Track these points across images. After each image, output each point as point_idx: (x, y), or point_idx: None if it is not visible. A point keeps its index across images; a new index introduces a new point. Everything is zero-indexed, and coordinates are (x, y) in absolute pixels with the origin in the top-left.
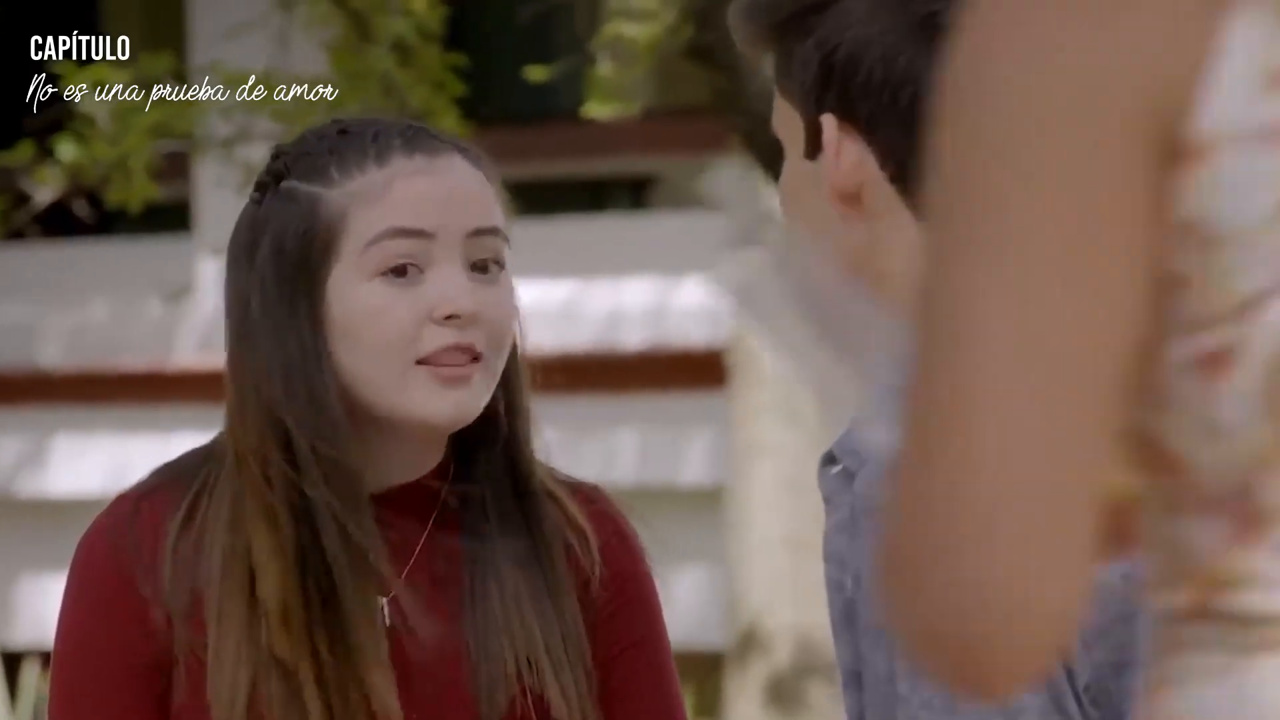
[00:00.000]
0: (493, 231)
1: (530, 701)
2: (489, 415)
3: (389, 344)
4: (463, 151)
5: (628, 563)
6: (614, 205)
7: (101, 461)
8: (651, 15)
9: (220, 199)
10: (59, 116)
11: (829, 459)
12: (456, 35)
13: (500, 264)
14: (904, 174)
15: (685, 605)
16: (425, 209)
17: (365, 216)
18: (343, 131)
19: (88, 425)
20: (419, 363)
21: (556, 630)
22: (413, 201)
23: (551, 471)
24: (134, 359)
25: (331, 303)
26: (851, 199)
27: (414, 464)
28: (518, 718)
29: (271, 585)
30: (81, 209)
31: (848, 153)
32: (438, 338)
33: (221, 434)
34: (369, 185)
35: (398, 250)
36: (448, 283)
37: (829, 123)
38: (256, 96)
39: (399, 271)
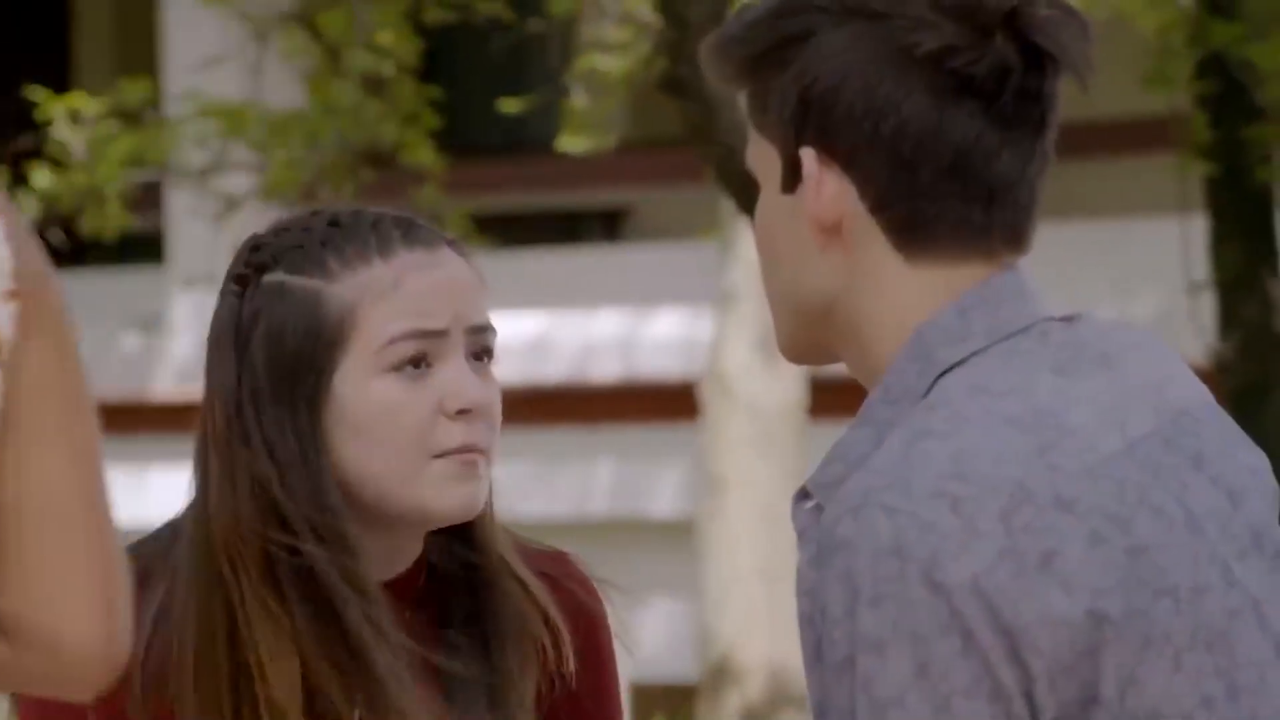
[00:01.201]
0: (489, 327)
1: None
2: None
3: (406, 439)
4: (450, 244)
5: (590, 652)
6: (587, 237)
7: None
8: (625, 48)
9: (193, 229)
10: (34, 145)
11: (803, 494)
12: (431, 68)
13: (492, 355)
14: (884, 205)
15: (657, 637)
16: (438, 306)
17: (378, 314)
18: (333, 223)
19: None
20: (435, 457)
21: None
22: (426, 299)
23: (523, 545)
24: (108, 391)
25: (340, 399)
26: (832, 231)
27: (397, 560)
28: None
29: (284, 684)
30: (56, 237)
31: (828, 185)
32: (452, 434)
33: (183, 542)
34: (377, 280)
35: (415, 349)
36: (457, 377)
37: (808, 156)
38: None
39: (415, 364)
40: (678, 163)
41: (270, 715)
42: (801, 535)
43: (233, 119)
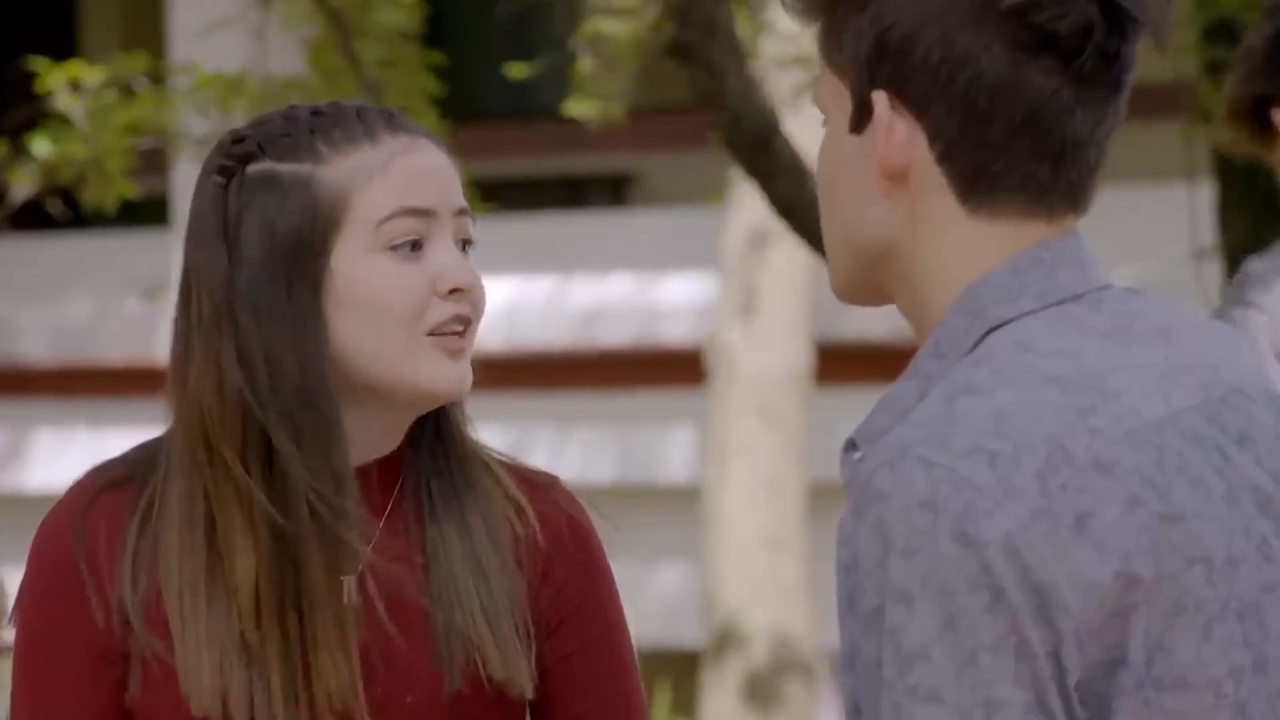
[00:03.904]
0: (468, 212)
1: (479, 661)
2: None
3: (401, 317)
4: (427, 135)
5: (583, 559)
6: (594, 202)
7: (80, 456)
8: (631, 13)
9: None
10: (35, 113)
11: (850, 445)
12: (436, 33)
13: (472, 243)
14: (952, 155)
15: (662, 603)
16: (427, 187)
17: (371, 193)
18: (316, 113)
19: (66, 420)
20: (428, 334)
21: (491, 591)
22: (416, 179)
23: (501, 456)
24: (112, 354)
25: (337, 279)
26: (898, 177)
27: (383, 442)
28: (471, 677)
29: (243, 568)
30: (56, 207)
31: (898, 131)
32: (443, 310)
33: (172, 429)
34: (368, 161)
35: (407, 228)
36: (449, 257)
37: (880, 100)
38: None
39: (414, 246)
40: (684, 128)
41: (235, 600)
42: (847, 486)
43: (231, 89)
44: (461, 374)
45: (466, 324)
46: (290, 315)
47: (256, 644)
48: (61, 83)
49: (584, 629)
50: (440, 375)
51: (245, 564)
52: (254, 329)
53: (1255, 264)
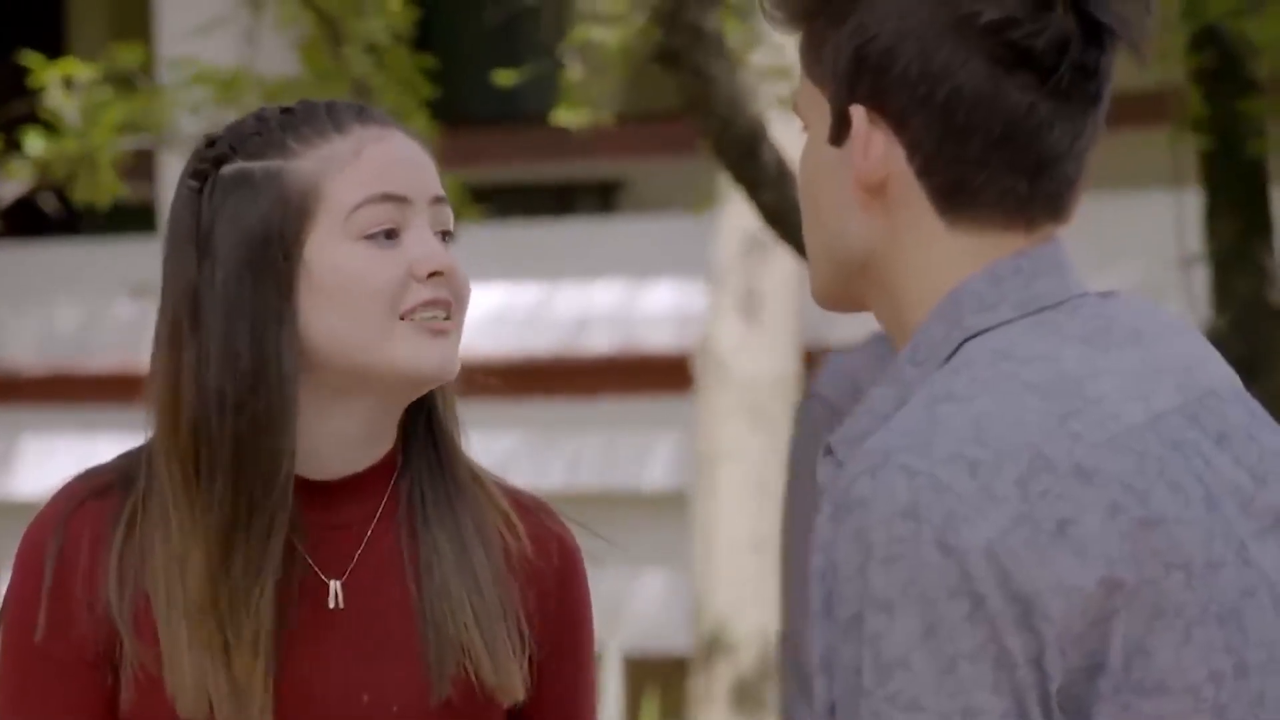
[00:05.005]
0: (445, 200)
1: (470, 668)
2: (428, 406)
3: (376, 300)
4: (399, 126)
5: (572, 585)
6: (582, 209)
7: (69, 462)
8: (620, 19)
9: None
10: (28, 110)
11: (828, 450)
12: (426, 37)
13: (451, 236)
14: (931, 169)
15: (650, 610)
16: (399, 174)
17: (342, 182)
18: (286, 111)
19: (55, 426)
20: (401, 317)
21: (484, 598)
22: (388, 167)
23: (491, 474)
24: (102, 359)
25: (312, 267)
26: (876, 190)
27: (373, 444)
28: (461, 685)
29: (190, 575)
30: (49, 203)
31: (876, 145)
32: (420, 292)
33: (153, 437)
34: (337, 152)
35: (381, 215)
36: (426, 242)
37: (859, 114)
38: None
39: (389, 235)
40: (672, 135)
41: (191, 607)
42: (824, 490)
43: (226, 87)
44: (444, 355)
45: (447, 307)
46: (254, 313)
47: (219, 646)
48: (55, 80)
49: (572, 660)
50: (421, 355)
51: (193, 570)
52: (214, 337)
53: None
